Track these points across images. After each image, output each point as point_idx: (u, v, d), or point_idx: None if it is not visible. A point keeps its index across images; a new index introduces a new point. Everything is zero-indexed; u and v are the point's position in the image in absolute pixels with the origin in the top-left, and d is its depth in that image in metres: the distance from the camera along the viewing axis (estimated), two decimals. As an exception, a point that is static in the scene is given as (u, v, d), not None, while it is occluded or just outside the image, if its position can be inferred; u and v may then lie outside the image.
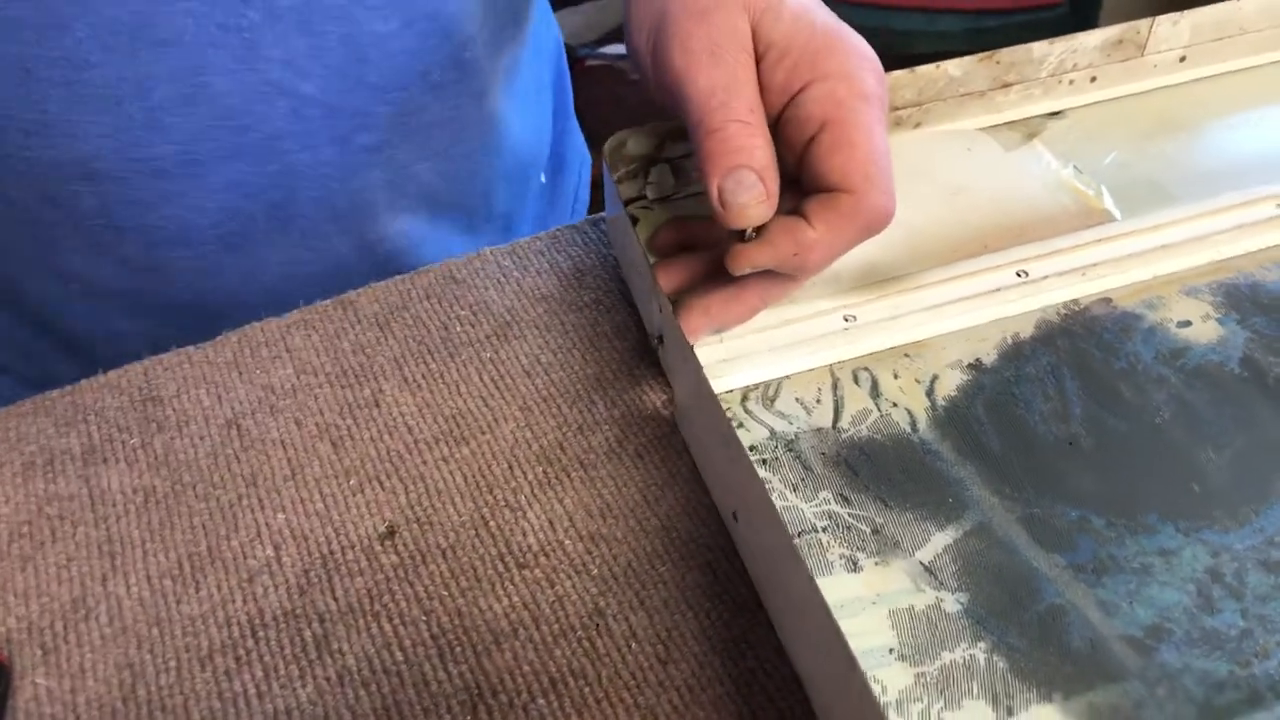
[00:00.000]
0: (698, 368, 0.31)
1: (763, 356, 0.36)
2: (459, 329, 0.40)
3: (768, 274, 0.35)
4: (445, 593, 0.32)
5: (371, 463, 0.36)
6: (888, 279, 0.38)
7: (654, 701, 0.29)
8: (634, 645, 0.30)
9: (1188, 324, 0.36)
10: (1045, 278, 0.37)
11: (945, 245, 0.39)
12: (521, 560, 0.32)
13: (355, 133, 0.44)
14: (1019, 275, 0.38)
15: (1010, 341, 0.36)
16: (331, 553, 0.33)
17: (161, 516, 0.35)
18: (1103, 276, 0.37)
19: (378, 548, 0.33)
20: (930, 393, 0.35)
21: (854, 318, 0.37)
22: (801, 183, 0.34)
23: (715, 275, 0.36)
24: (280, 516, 0.34)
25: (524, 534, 0.33)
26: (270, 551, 0.33)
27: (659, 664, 0.30)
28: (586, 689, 0.29)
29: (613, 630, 0.31)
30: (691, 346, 0.32)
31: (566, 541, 0.33)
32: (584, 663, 0.30)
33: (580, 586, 0.32)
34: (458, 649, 0.31)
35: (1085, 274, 0.37)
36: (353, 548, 0.33)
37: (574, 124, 0.63)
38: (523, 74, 0.53)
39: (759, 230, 0.33)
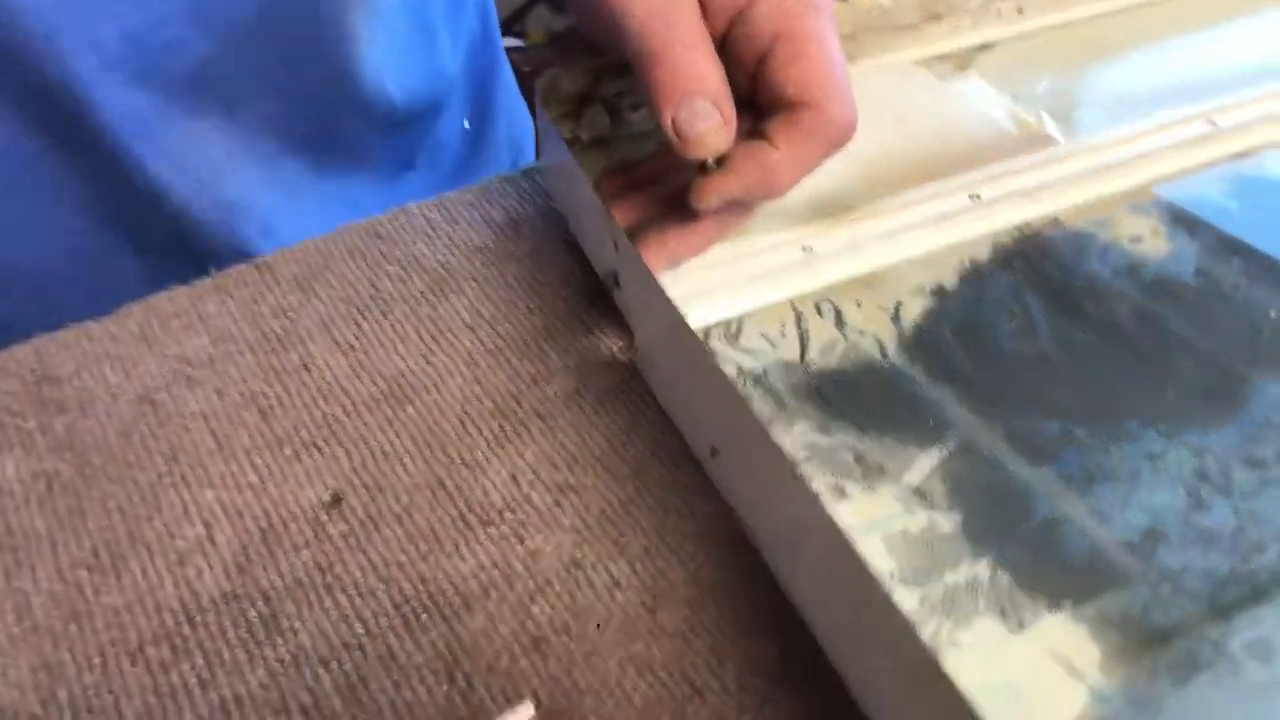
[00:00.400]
0: (666, 302, 0.29)
1: (722, 293, 0.34)
2: (389, 286, 0.37)
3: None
4: (404, 558, 0.29)
5: (306, 429, 0.32)
6: (842, 209, 0.36)
7: (646, 651, 0.27)
8: (618, 595, 0.28)
9: (1139, 239, 0.36)
10: (996, 200, 0.37)
11: (895, 174, 0.38)
12: (485, 518, 0.30)
13: (160, 55, 0.40)
14: (971, 199, 0.37)
15: (969, 265, 0.35)
16: (271, 526, 0.30)
17: (69, 503, 0.30)
18: (1050, 198, 0.37)
19: (323, 517, 0.30)
20: (896, 319, 0.34)
21: (811, 249, 0.35)
22: (757, 102, 0.32)
23: (669, 208, 0.34)
24: (209, 493, 0.31)
25: (485, 491, 0.30)
26: (200, 530, 0.30)
27: (647, 613, 0.27)
28: (572, 644, 0.27)
29: (594, 581, 0.28)
30: (657, 281, 0.30)
31: (533, 494, 0.30)
32: (566, 618, 0.27)
33: (553, 540, 0.29)
34: (424, 616, 0.28)
35: (1033, 196, 0.37)
36: (295, 519, 0.30)
37: (507, 74, 0.59)
38: (385, 9, 0.47)
39: (719, 160, 0.32)
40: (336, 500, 0.30)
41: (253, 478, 0.31)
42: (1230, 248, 0.35)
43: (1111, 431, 0.30)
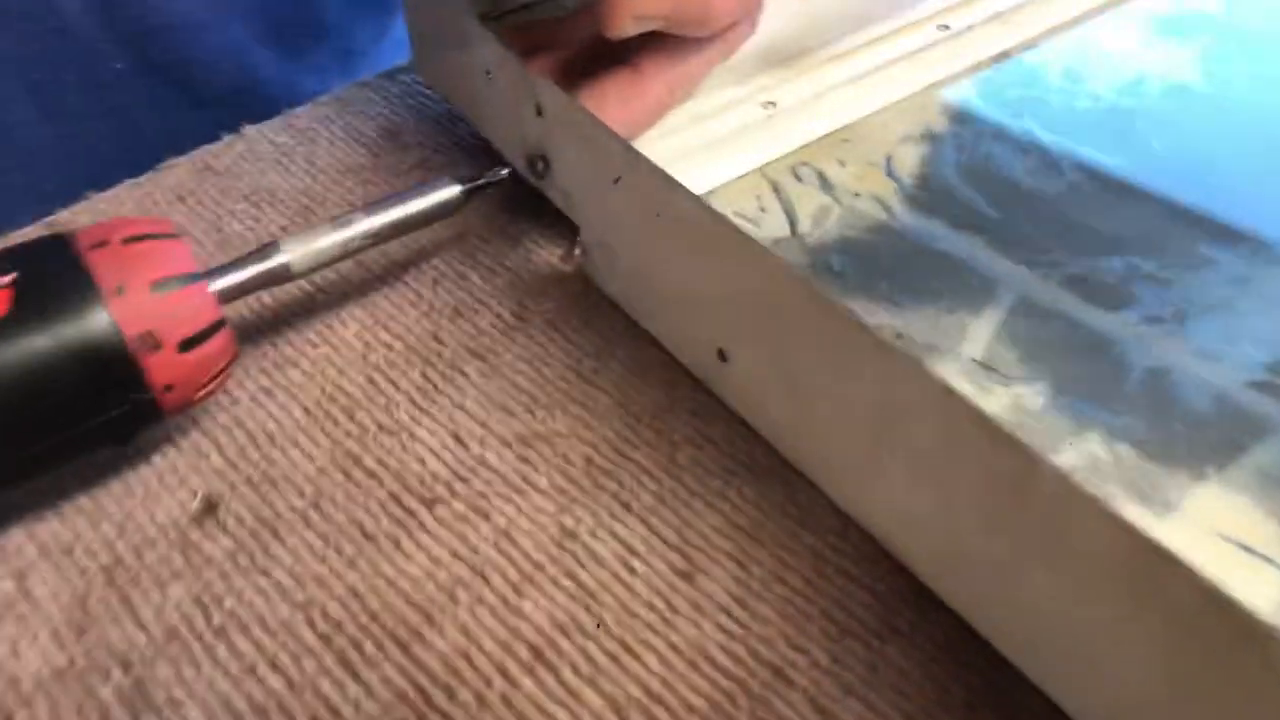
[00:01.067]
0: (646, 165, 0.21)
1: (679, 169, 0.26)
2: (238, 227, 0.27)
3: (666, 53, 0.25)
4: (323, 570, 0.19)
5: (152, 422, 0.22)
6: (797, 54, 0.29)
7: (695, 634, 0.18)
8: (637, 565, 0.19)
9: (1131, 53, 0.30)
10: (969, 29, 0.30)
11: (849, 11, 0.30)
12: (431, 495, 0.21)
13: None
14: (941, 29, 0.30)
15: (955, 103, 0.28)
16: (119, 560, 0.20)
17: None
18: (1027, 21, 0.30)
19: (194, 535, 0.20)
20: (891, 173, 0.26)
21: (773, 104, 0.27)
22: None
23: (599, 67, 0.26)
24: (17, 531, 0.20)
25: (421, 460, 0.21)
26: (9, 586, 0.19)
27: (682, 579, 0.19)
28: (589, 644, 0.18)
29: (597, 553, 0.20)
30: (629, 144, 0.21)
31: (489, 455, 0.21)
32: (573, 610, 0.19)
33: (530, 508, 0.20)
34: (369, 646, 0.18)
35: (1007, 20, 0.30)
36: (153, 545, 0.20)
37: None
38: None
39: None
40: (210, 507, 0.21)
41: (82, 501, 0.21)
42: (1231, 47, 0.30)
43: (1183, 260, 0.24)
